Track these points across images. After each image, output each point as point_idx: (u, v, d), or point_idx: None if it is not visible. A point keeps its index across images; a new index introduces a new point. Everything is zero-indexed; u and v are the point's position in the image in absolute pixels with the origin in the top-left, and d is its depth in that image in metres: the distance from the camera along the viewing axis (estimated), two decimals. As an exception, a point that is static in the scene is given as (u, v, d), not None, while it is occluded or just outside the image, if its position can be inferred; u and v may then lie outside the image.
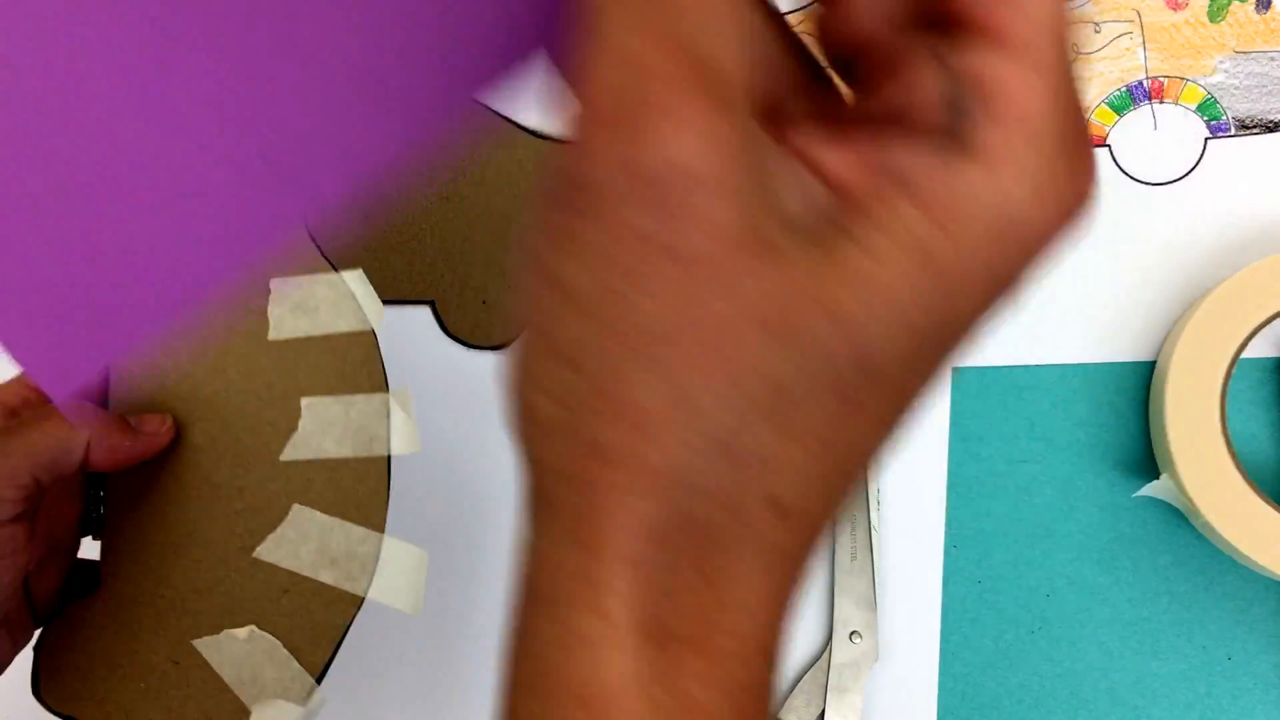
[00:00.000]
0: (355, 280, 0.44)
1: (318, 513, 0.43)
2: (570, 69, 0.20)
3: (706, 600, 0.19)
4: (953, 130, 0.19)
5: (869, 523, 0.55)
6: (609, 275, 0.18)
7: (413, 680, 0.57)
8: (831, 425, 0.19)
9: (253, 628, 0.42)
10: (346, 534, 0.43)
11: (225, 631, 0.43)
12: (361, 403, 0.43)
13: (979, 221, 0.18)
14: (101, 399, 0.44)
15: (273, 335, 0.43)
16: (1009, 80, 0.18)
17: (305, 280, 0.44)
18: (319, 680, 0.43)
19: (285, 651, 0.42)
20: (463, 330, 0.58)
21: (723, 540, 0.19)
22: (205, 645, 0.43)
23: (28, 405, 0.41)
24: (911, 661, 0.56)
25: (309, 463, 0.43)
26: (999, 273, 0.19)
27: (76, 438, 0.40)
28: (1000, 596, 0.56)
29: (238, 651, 0.42)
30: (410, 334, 0.58)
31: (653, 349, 0.18)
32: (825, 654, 0.55)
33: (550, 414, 0.18)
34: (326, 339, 0.44)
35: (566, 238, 0.18)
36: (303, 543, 0.43)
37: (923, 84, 0.19)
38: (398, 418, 0.44)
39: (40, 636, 0.44)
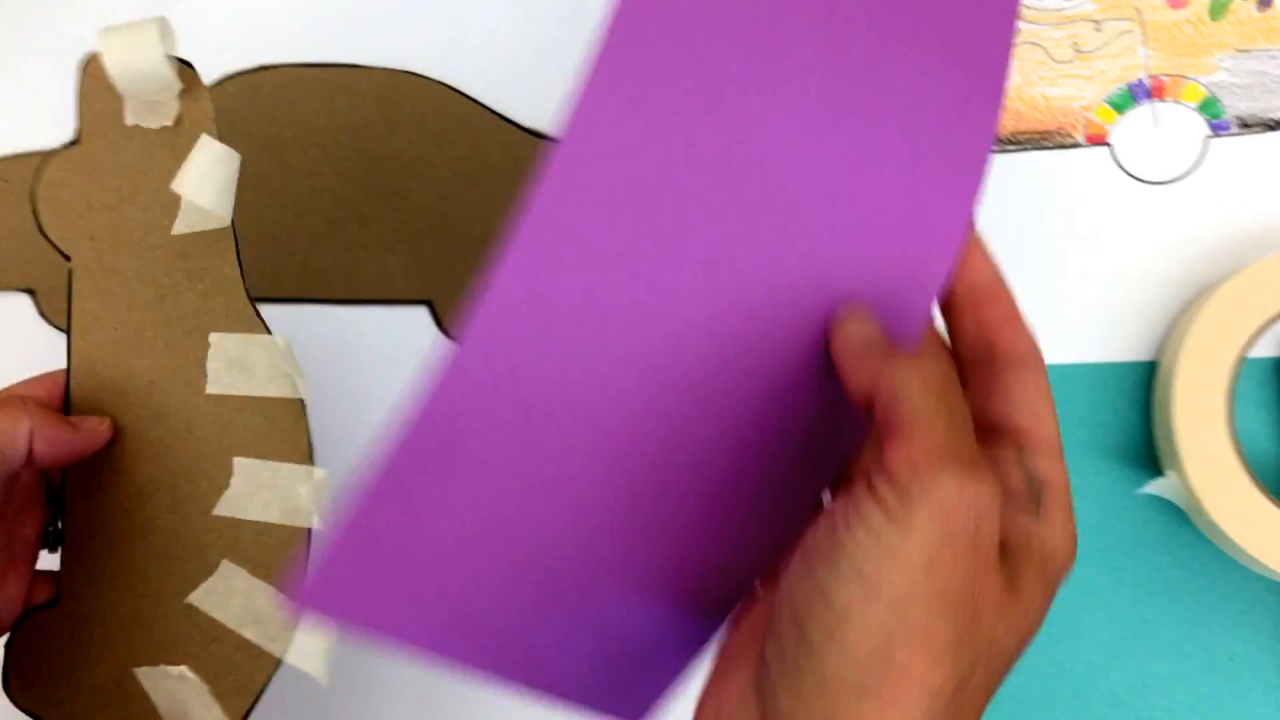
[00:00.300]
0: (285, 347, 0.45)
1: (244, 571, 0.44)
2: None
3: None
4: (1035, 506, 0.31)
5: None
6: None
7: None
8: (998, 682, 0.32)
9: (184, 669, 0.44)
10: (269, 596, 0.44)
11: (161, 667, 0.44)
12: (287, 472, 0.45)
13: (1057, 564, 0.31)
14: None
15: (210, 389, 0.45)
16: (1053, 473, 0.32)
17: (243, 339, 0.45)
18: None
19: (210, 697, 0.44)
20: (461, 331, 0.57)
21: None
22: (144, 675, 0.45)
23: None
24: (912, 663, 0.55)
25: (239, 520, 0.45)
26: (1054, 596, 0.31)
27: (18, 428, 0.41)
28: (1002, 597, 0.56)
29: (171, 687, 0.44)
30: (410, 334, 0.58)
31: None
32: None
33: None
34: (259, 401, 0.45)
35: None
36: (230, 597, 0.44)
37: (1011, 473, 0.32)
38: (317, 496, 0.45)
39: (8, 639, 0.45)
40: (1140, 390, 0.56)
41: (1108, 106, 0.56)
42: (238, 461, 0.45)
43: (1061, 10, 0.57)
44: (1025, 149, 0.57)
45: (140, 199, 0.44)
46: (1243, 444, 0.52)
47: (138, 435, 0.45)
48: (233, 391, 0.44)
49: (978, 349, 0.33)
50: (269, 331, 0.45)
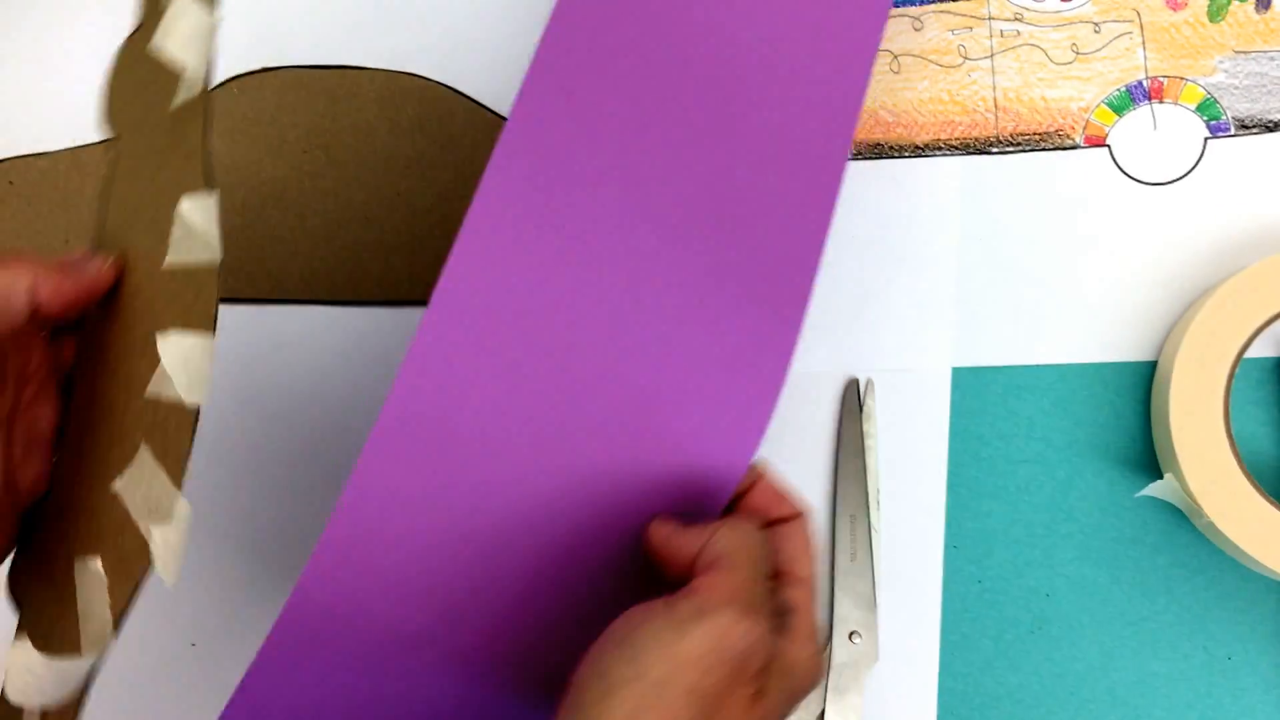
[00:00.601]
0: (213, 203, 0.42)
1: (151, 457, 0.40)
2: None
3: None
4: (781, 625, 0.38)
5: (869, 523, 0.55)
6: None
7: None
8: None
9: (97, 560, 0.41)
10: (162, 485, 0.40)
11: (85, 558, 0.41)
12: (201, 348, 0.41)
13: (798, 675, 0.38)
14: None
15: (170, 258, 0.41)
16: (802, 601, 0.39)
17: (198, 203, 0.41)
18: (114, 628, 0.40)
19: (105, 593, 0.41)
20: (462, 331, 0.58)
21: None
22: (78, 568, 0.42)
23: None
24: (911, 662, 0.56)
25: (158, 402, 0.40)
26: (795, 705, 0.39)
27: (18, 282, 0.40)
28: (1000, 596, 0.56)
29: (86, 580, 0.41)
30: (410, 336, 0.58)
31: None
32: (825, 654, 0.55)
33: None
34: (185, 270, 0.41)
35: None
36: (138, 485, 0.40)
37: (768, 601, 0.38)
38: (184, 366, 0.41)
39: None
40: (1139, 391, 0.56)
41: (1107, 108, 0.57)
42: (161, 341, 0.41)
43: (1060, 12, 0.57)
44: (1024, 150, 0.57)
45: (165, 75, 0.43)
46: (1241, 445, 0.52)
47: (120, 315, 0.43)
48: (188, 259, 0.41)
49: (755, 517, 0.41)
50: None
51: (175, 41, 0.43)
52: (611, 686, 0.34)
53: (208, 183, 0.40)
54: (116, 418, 0.42)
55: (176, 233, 0.40)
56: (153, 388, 0.40)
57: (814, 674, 0.39)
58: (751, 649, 0.35)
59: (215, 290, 0.39)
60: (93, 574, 0.41)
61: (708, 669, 0.35)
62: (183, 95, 0.42)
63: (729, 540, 0.37)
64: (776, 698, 0.37)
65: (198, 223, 0.40)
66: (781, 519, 0.41)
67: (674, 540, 0.39)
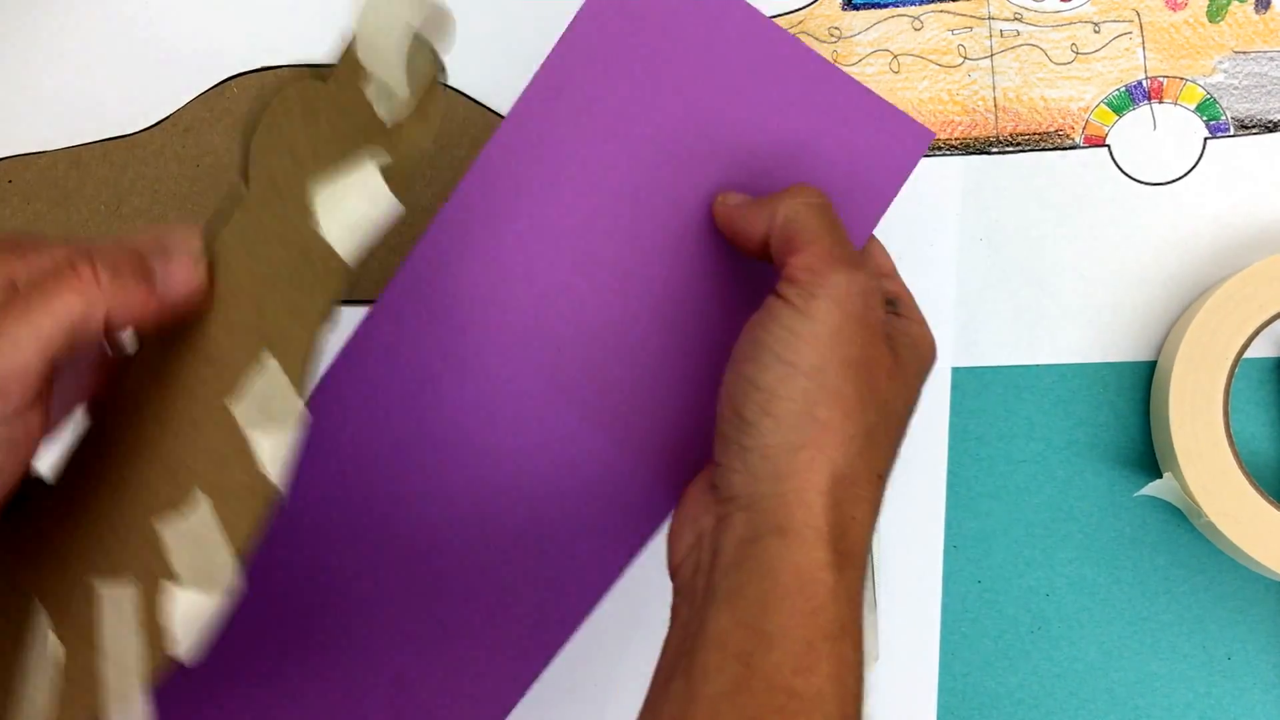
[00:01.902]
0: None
1: (211, 510, 0.35)
2: None
3: (853, 528, 0.36)
4: (895, 311, 0.41)
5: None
6: None
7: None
8: (897, 438, 0.38)
9: (129, 590, 0.35)
10: (226, 559, 0.35)
11: (106, 582, 0.36)
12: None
13: (924, 349, 0.41)
14: None
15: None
16: (900, 290, 0.42)
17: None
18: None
19: (135, 635, 0.35)
20: (462, 330, 0.58)
21: (855, 495, 0.36)
22: (94, 585, 0.36)
23: (31, 272, 0.34)
24: (911, 661, 0.55)
25: (226, 446, 0.35)
26: (925, 379, 0.41)
27: (93, 309, 0.32)
28: (1000, 596, 0.56)
29: (108, 608, 0.36)
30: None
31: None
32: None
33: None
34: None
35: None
36: (187, 537, 0.35)
37: None
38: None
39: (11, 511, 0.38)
40: (1139, 391, 0.56)
41: (1106, 108, 0.57)
42: (266, 358, 0.35)
43: (1060, 12, 0.57)
44: (1024, 150, 0.57)
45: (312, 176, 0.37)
46: (1240, 445, 0.52)
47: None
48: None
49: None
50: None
51: (344, 233, 0.36)
52: (770, 392, 0.35)
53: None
54: (166, 432, 0.36)
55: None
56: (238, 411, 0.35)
57: (934, 348, 0.40)
58: (868, 297, 0.36)
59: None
60: (114, 600, 0.36)
61: (849, 338, 0.35)
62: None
63: (796, 210, 0.37)
64: (911, 368, 0.38)
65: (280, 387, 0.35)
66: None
67: (742, 213, 0.39)
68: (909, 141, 0.41)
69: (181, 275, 0.35)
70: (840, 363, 0.35)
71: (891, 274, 0.42)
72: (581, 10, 0.42)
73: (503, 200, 0.42)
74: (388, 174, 0.36)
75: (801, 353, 0.35)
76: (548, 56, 0.43)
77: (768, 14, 0.58)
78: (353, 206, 0.35)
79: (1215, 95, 0.56)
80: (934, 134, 0.42)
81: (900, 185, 0.42)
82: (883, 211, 0.42)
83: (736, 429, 0.36)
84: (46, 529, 0.38)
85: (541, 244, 0.42)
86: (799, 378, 0.35)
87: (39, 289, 0.32)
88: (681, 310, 0.42)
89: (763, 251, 0.38)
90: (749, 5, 0.42)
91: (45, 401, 0.33)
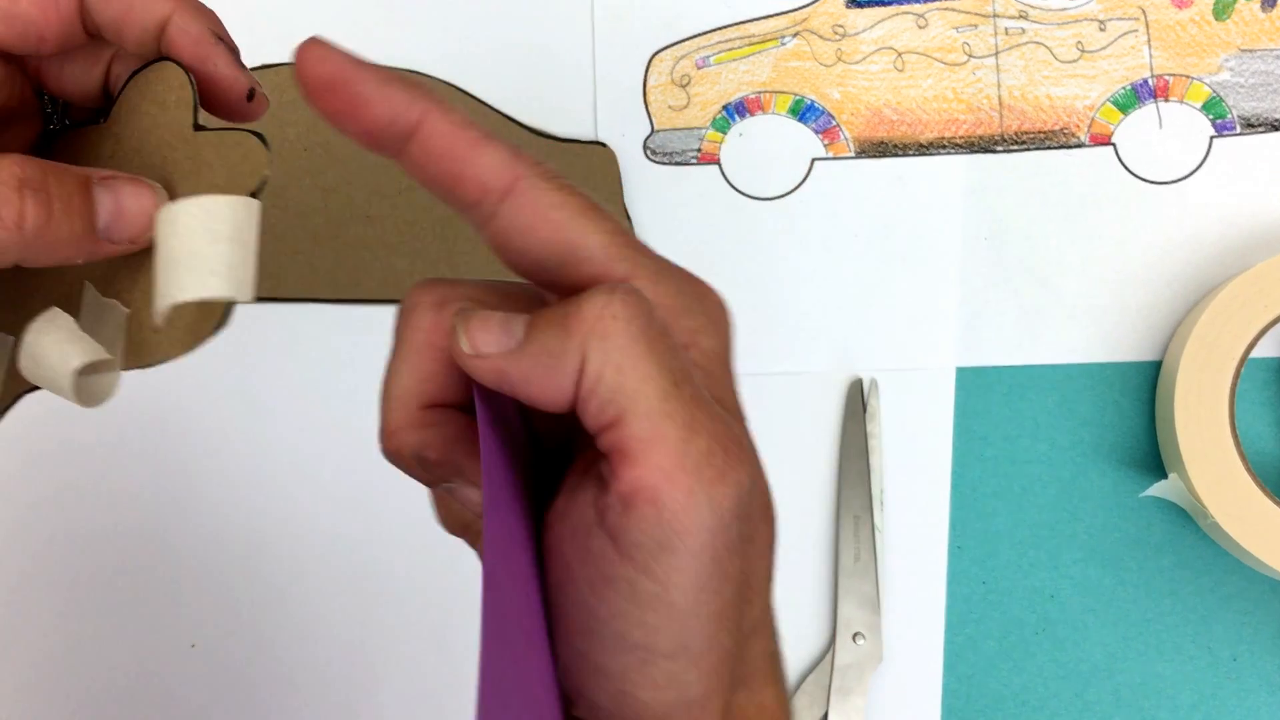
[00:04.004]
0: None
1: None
2: None
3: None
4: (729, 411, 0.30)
5: (873, 524, 0.55)
6: None
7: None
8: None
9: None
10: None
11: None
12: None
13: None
14: None
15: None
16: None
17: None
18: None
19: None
20: (464, 330, 0.58)
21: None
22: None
23: None
24: (915, 663, 0.55)
25: None
26: None
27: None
28: (1005, 597, 0.55)
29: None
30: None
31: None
32: (829, 655, 0.55)
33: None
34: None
35: None
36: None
37: None
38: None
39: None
40: (1144, 391, 0.56)
41: (1112, 106, 0.56)
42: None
43: (1066, 10, 0.57)
44: (1029, 149, 0.57)
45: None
46: (1246, 445, 0.52)
47: None
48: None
49: (454, 195, 0.26)
50: None
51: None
52: (625, 680, 0.25)
53: None
54: None
55: None
56: None
57: (768, 488, 0.27)
58: (750, 513, 0.25)
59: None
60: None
61: (717, 589, 0.24)
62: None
63: (610, 365, 0.24)
64: (768, 537, 0.27)
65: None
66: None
67: (517, 377, 0.24)
68: None
69: (137, 221, 0.30)
70: (711, 627, 0.25)
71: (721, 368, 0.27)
72: None
73: None
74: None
75: (658, 632, 0.24)
76: None
77: (771, 11, 0.58)
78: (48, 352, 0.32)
79: (1221, 93, 0.56)
80: None
81: None
82: None
83: (592, 711, 0.26)
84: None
85: None
86: (659, 662, 0.24)
87: None
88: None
89: (560, 408, 0.25)
90: None
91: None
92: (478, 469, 0.25)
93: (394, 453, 0.26)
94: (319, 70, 0.25)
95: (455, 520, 0.29)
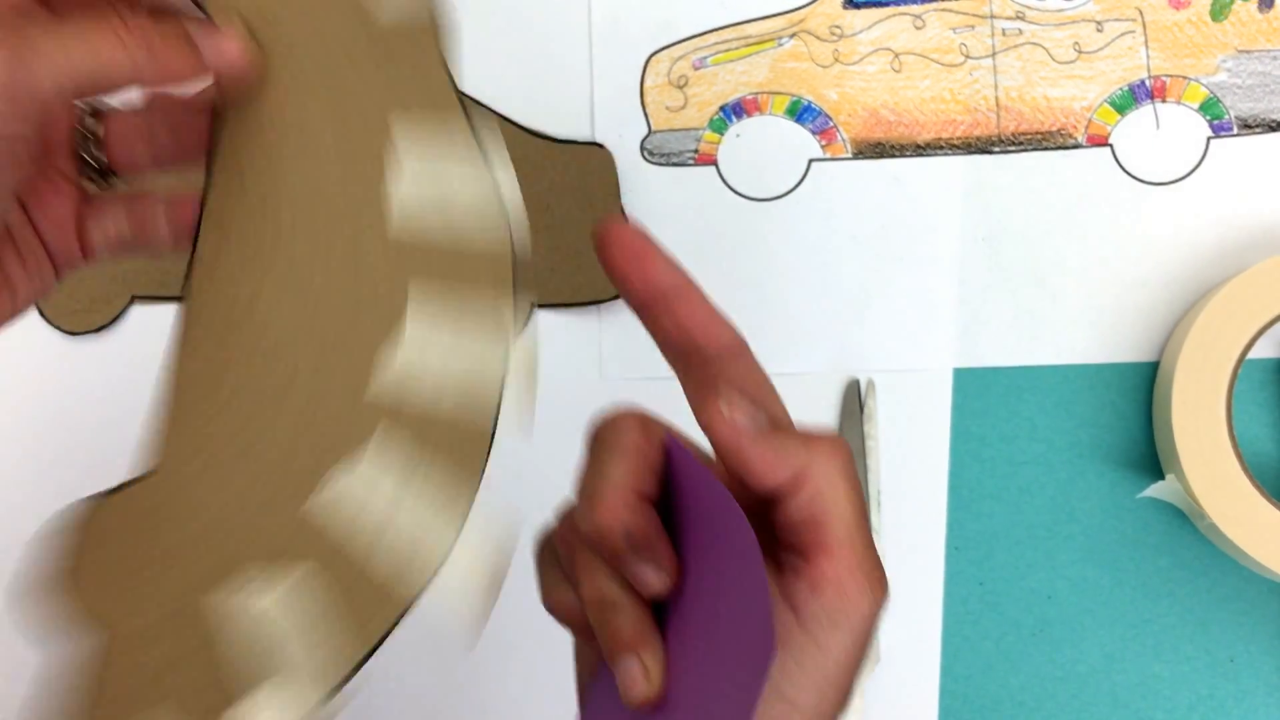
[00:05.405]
0: (507, 178, 0.33)
1: (399, 459, 0.32)
2: None
3: None
4: None
5: (869, 524, 0.55)
6: None
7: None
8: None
9: (275, 600, 0.32)
10: (425, 502, 0.32)
11: (242, 595, 0.32)
12: (476, 334, 0.33)
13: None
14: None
15: (395, 225, 0.33)
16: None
17: (440, 142, 0.33)
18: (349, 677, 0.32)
19: (316, 632, 0.32)
20: (461, 331, 0.58)
21: None
22: (219, 602, 0.32)
23: None
24: (913, 663, 0.55)
25: (401, 391, 0.33)
26: None
27: (119, 58, 0.32)
28: (1002, 598, 0.55)
29: (259, 618, 0.32)
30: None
31: None
32: (826, 656, 0.55)
33: None
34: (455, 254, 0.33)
35: None
36: (373, 493, 0.32)
37: None
38: (510, 396, 0.33)
39: (81, 522, 0.34)
40: (1142, 392, 0.56)
41: (1109, 107, 0.56)
42: (412, 297, 0.33)
43: (1063, 10, 0.57)
44: (1026, 149, 0.57)
45: None
46: (1243, 446, 0.52)
47: (288, 266, 0.34)
48: (420, 230, 0.33)
49: (685, 346, 0.33)
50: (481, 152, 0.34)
51: None
52: None
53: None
54: (310, 396, 0.33)
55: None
56: (392, 375, 0.32)
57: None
58: (880, 616, 0.31)
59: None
60: (271, 607, 0.32)
61: (852, 664, 0.31)
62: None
63: (831, 481, 0.31)
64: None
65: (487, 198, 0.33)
66: (714, 347, 0.34)
67: (757, 446, 0.31)
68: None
69: (229, 41, 0.34)
70: (837, 695, 0.31)
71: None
72: None
73: None
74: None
75: (805, 691, 0.30)
76: None
77: (768, 12, 0.58)
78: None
79: (1219, 94, 0.56)
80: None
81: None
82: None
83: None
84: None
85: None
86: (794, 716, 0.30)
87: (78, 17, 0.32)
88: None
89: (761, 496, 0.31)
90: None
91: (58, 131, 0.34)
92: (667, 552, 0.31)
93: (605, 527, 0.30)
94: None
95: (567, 609, 0.33)
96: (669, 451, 0.31)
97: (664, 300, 0.32)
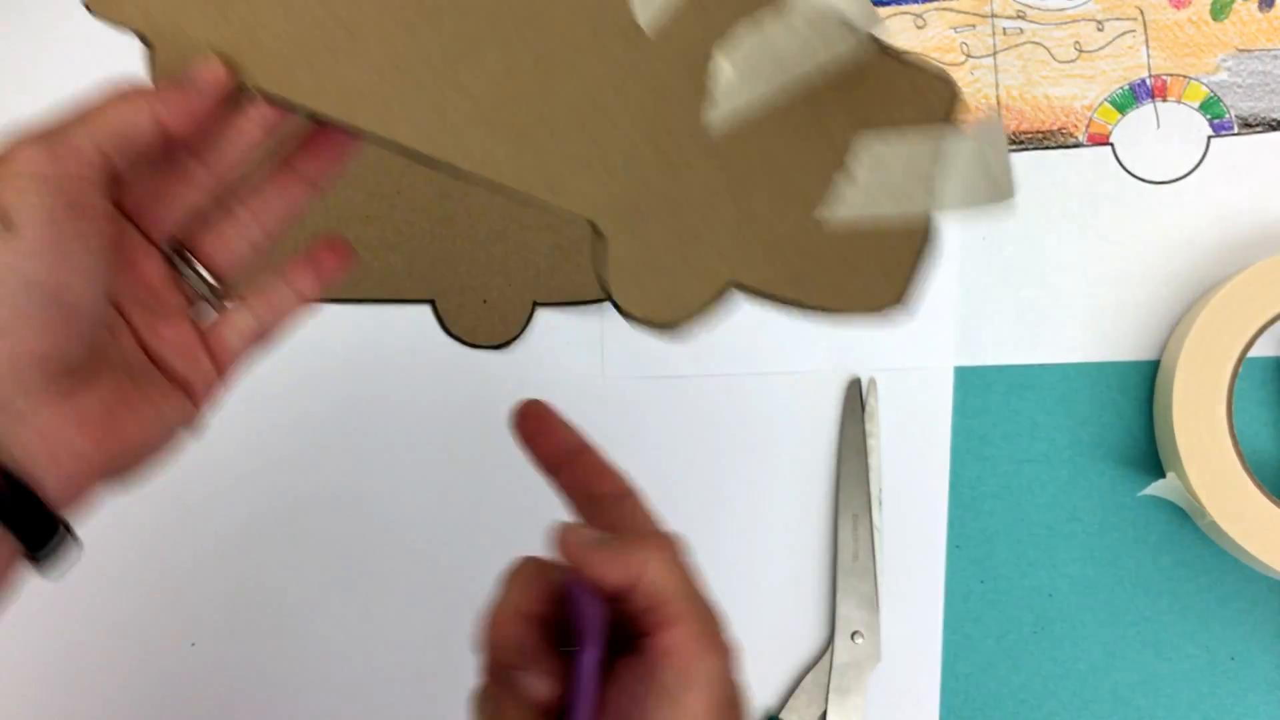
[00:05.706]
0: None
1: None
2: None
3: None
4: None
5: (871, 523, 0.55)
6: None
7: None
8: None
9: None
10: None
11: None
12: None
13: None
14: None
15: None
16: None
17: None
18: None
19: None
20: (463, 330, 0.58)
21: None
22: None
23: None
24: (914, 662, 0.55)
25: None
26: None
27: (139, 110, 0.37)
28: (1003, 596, 0.56)
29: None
30: (410, 334, 0.58)
31: None
32: (827, 654, 0.55)
33: None
34: None
35: None
36: None
37: None
38: None
39: None
40: (1143, 390, 0.56)
41: (1110, 106, 0.56)
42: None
43: (1064, 10, 0.57)
44: (1027, 148, 0.57)
45: None
46: (1243, 444, 0.52)
47: None
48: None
49: (587, 492, 0.40)
50: None
51: None
52: None
53: None
54: None
55: None
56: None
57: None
58: (735, 677, 0.36)
59: None
60: None
61: (714, 714, 0.35)
62: None
63: (663, 573, 0.36)
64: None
65: None
66: (609, 492, 0.41)
67: (598, 557, 0.37)
68: None
69: (207, 72, 0.38)
70: None
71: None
72: None
73: None
74: None
75: None
76: None
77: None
78: None
79: (1219, 93, 0.56)
80: None
81: None
82: None
83: None
84: None
85: None
86: None
87: (98, 103, 0.37)
88: None
89: (613, 595, 0.37)
90: None
91: (113, 194, 0.37)
92: (551, 664, 0.36)
93: (501, 637, 0.36)
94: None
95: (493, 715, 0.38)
96: (565, 583, 0.37)
97: (567, 459, 0.40)
